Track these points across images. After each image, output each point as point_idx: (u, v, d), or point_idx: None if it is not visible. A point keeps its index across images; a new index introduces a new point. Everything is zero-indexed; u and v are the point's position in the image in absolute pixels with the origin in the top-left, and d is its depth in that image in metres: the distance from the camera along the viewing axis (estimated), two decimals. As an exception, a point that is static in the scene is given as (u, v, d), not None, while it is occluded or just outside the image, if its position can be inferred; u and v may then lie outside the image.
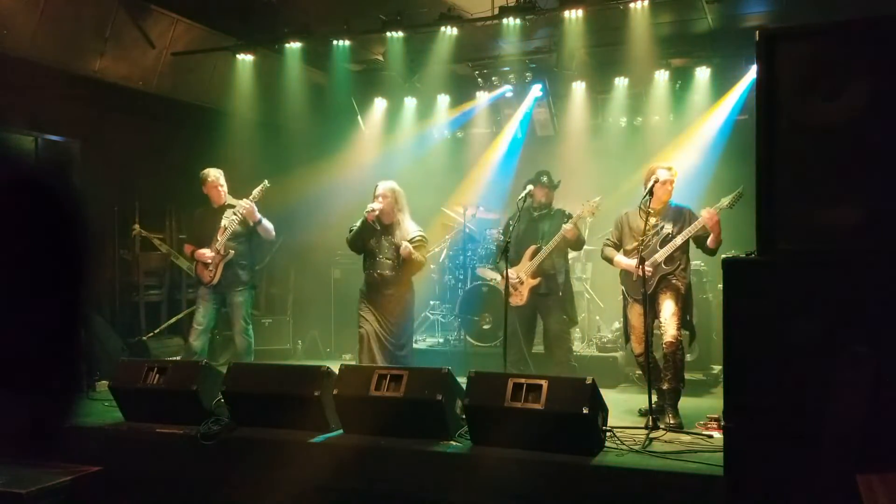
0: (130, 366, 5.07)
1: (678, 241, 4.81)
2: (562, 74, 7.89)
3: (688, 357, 5.31)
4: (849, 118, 2.92)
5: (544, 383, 4.00)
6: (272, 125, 8.35)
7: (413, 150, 8.87)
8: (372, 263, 5.41)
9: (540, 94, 8.23)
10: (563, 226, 5.44)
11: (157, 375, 4.83)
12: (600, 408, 4.07)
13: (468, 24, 6.76)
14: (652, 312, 4.87)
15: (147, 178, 7.31)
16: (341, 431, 4.48)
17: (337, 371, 4.59)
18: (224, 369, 4.94)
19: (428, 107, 8.80)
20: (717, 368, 6.10)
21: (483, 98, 8.57)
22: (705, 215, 4.64)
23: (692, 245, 4.96)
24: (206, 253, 5.77)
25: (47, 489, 4.03)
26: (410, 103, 8.83)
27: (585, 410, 3.83)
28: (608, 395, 4.36)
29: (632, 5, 6.05)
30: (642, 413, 4.95)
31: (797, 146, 3.04)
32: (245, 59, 7.36)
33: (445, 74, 8.09)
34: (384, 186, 5.41)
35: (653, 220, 4.88)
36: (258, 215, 5.76)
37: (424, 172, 8.45)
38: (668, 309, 4.83)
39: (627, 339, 5.15)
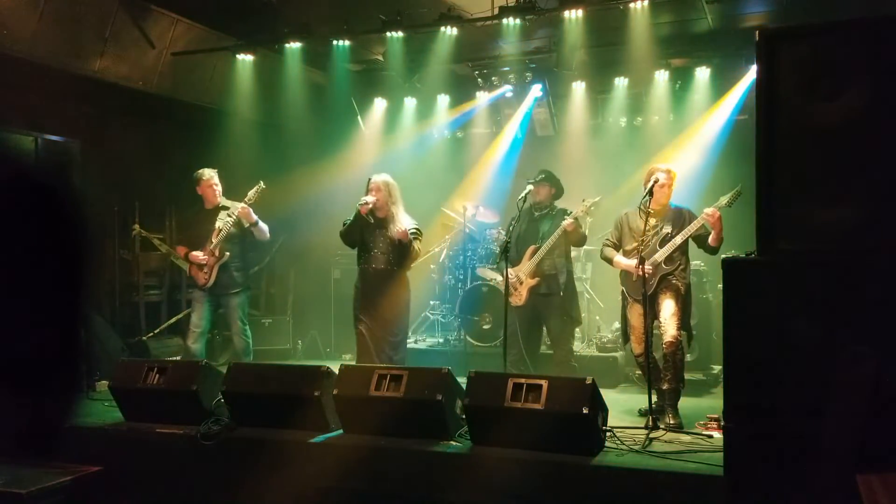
0: (130, 366, 5.07)
1: (678, 240, 4.82)
2: (562, 74, 7.88)
3: (688, 357, 5.31)
4: (849, 118, 2.92)
5: (544, 383, 4.00)
6: (272, 125, 8.35)
7: (413, 151, 8.86)
8: (366, 258, 5.38)
9: (540, 94, 8.22)
10: (564, 220, 5.41)
11: (157, 375, 4.83)
12: (600, 408, 4.07)
13: (468, 24, 6.76)
14: (652, 312, 4.87)
15: (147, 178, 7.31)
16: (341, 431, 4.48)
17: (337, 371, 4.58)
18: (224, 369, 4.95)
19: (428, 107, 8.79)
20: (717, 368, 6.10)
21: (483, 98, 8.57)
22: (707, 213, 4.64)
23: (692, 245, 4.96)
24: (200, 255, 5.74)
25: (47, 489, 4.03)
26: (410, 103, 8.82)
27: (585, 410, 3.83)
28: (608, 395, 4.36)
29: (632, 5, 6.04)
30: (642, 413, 4.95)
31: (797, 146, 3.04)
32: (245, 59, 7.36)
33: (445, 74, 8.10)
34: (377, 179, 5.37)
35: (652, 221, 4.88)
36: (254, 217, 5.74)
37: (424, 172, 8.45)
38: (667, 309, 4.83)
39: (626, 340, 5.15)
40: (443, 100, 8.74)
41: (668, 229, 4.89)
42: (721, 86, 7.56)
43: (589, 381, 3.97)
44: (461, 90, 8.63)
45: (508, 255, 5.17)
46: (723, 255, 3.48)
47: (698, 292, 6.05)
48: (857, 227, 2.93)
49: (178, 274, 7.69)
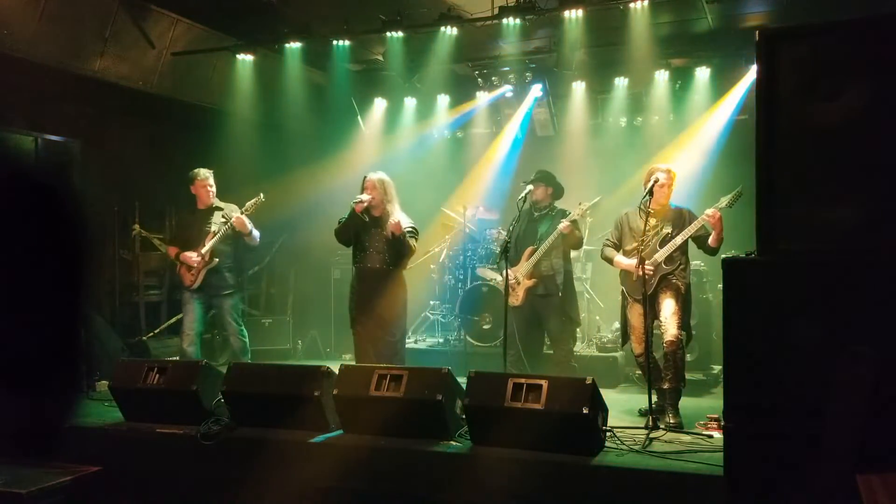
0: (130, 366, 5.07)
1: (678, 240, 4.82)
2: (562, 74, 7.88)
3: (688, 357, 5.31)
4: (849, 118, 2.92)
5: (544, 383, 4.00)
6: (272, 125, 8.35)
7: (413, 151, 8.86)
8: (362, 256, 5.34)
9: (540, 94, 8.22)
10: (562, 222, 5.41)
11: (157, 375, 4.82)
12: (600, 408, 4.06)
13: (468, 24, 6.76)
14: (652, 312, 4.87)
15: (147, 178, 7.32)
16: (341, 431, 4.47)
17: (337, 371, 4.58)
18: (224, 369, 4.94)
19: (428, 107, 8.79)
20: (717, 368, 6.10)
21: (483, 98, 8.57)
22: (708, 214, 4.64)
23: (692, 245, 4.96)
24: (193, 256, 5.70)
25: (47, 489, 4.03)
26: (410, 103, 8.82)
27: (585, 410, 3.83)
28: (608, 395, 4.36)
29: (632, 5, 6.04)
30: (642, 413, 4.95)
31: (797, 146, 3.04)
32: (245, 59, 7.36)
33: (445, 74, 8.09)
34: (373, 177, 5.34)
35: (653, 221, 4.88)
36: (249, 227, 5.71)
37: (424, 172, 8.45)
38: (668, 308, 4.83)
39: (626, 340, 5.15)
40: (443, 100, 8.74)
41: (668, 229, 4.89)
42: (721, 86, 7.56)
43: (589, 381, 3.96)
44: (461, 90, 8.63)
45: (508, 255, 5.16)
46: (723, 256, 3.48)
47: (698, 292, 6.05)
48: (857, 227, 2.93)
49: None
